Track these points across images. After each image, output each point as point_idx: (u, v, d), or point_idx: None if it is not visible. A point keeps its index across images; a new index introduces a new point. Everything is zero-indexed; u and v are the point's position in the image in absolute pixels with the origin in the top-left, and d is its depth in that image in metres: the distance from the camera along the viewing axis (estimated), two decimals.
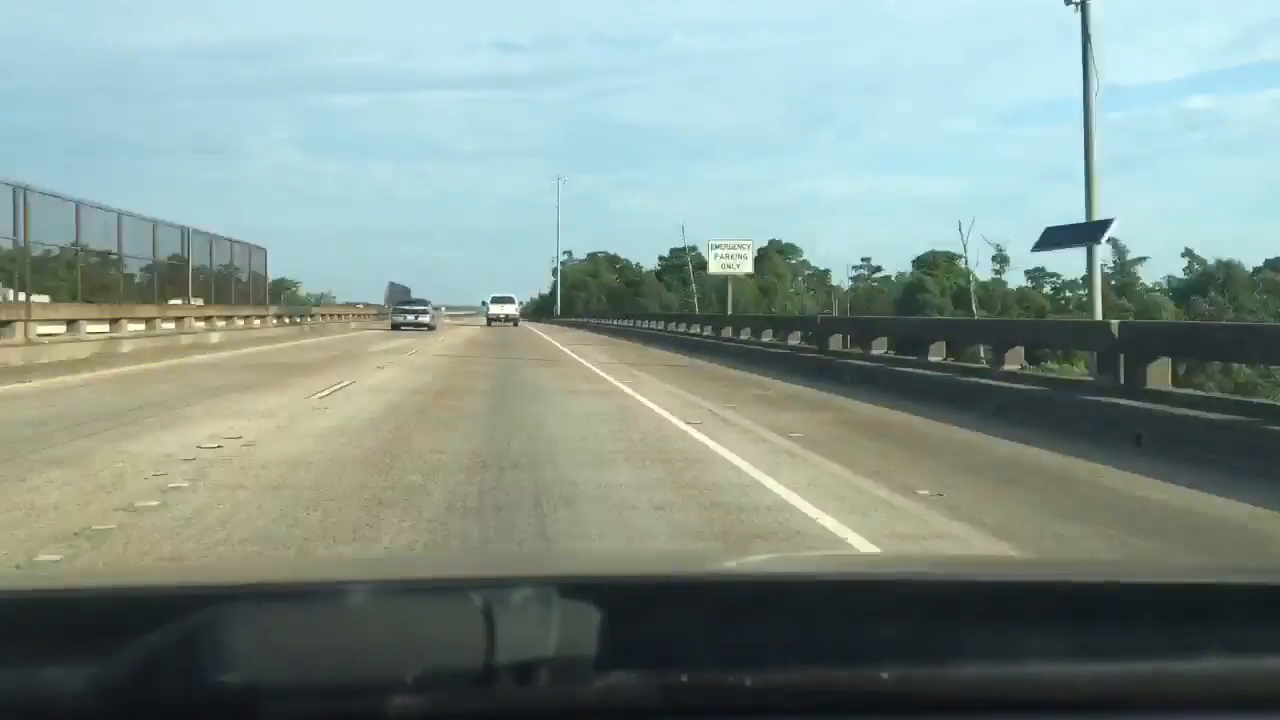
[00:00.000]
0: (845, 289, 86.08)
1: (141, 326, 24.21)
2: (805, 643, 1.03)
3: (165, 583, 1.37)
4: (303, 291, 75.64)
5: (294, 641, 0.96)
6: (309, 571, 1.94)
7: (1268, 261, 70.95)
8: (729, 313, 37.60)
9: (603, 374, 18.15)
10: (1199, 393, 12.38)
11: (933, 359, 15.34)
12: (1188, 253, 72.91)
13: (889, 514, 6.30)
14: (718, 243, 38.83)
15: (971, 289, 43.43)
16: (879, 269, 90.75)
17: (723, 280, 41.80)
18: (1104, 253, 18.93)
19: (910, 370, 15.50)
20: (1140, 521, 6.26)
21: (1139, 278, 75.10)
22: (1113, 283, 62.18)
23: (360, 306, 65.76)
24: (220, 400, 12.37)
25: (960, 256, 43.90)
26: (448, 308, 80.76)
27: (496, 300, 60.13)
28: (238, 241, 35.88)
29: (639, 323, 46.65)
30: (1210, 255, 70.67)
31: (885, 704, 0.99)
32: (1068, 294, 70.72)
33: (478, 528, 5.60)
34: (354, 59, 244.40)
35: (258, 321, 34.80)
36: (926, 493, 6.96)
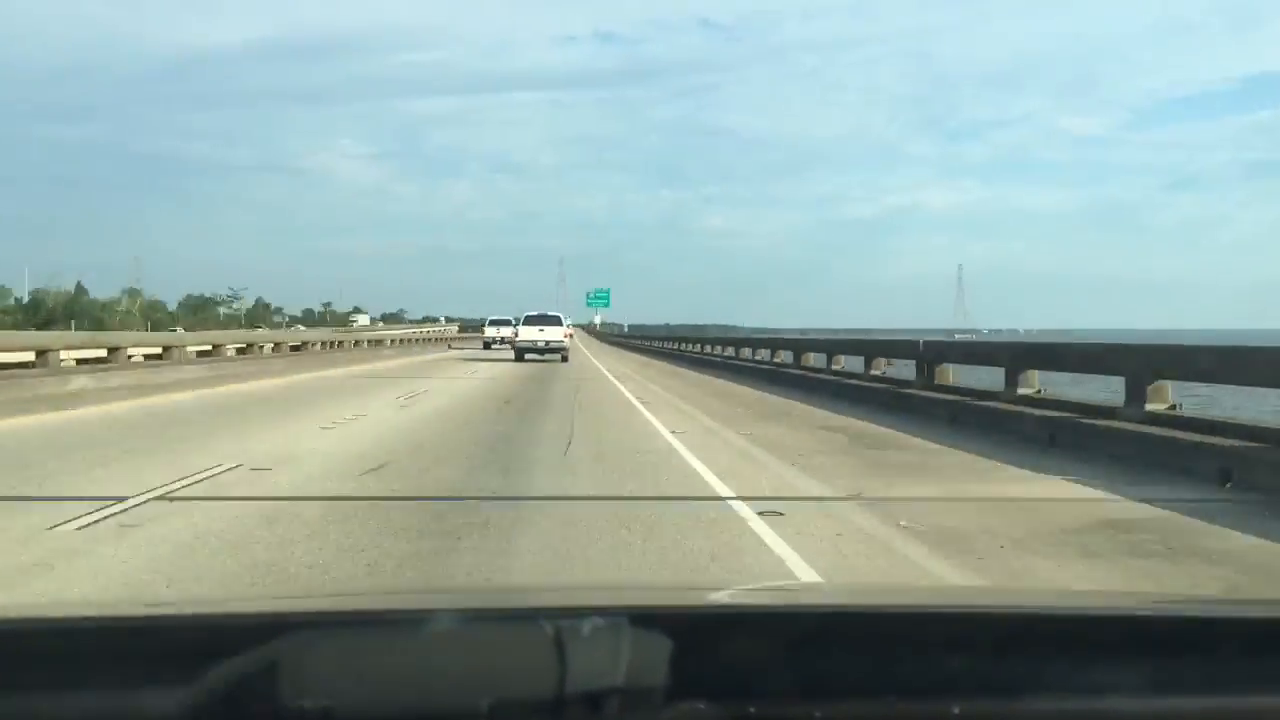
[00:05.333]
0: None
1: None
2: (874, 675, 1.02)
3: (250, 609, 1.41)
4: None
5: (372, 668, 0.98)
6: (387, 600, 1.97)
7: None
8: None
9: None
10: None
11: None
12: None
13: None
14: None
15: None
16: None
17: None
18: None
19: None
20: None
21: None
22: None
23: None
24: None
25: None
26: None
27: (533, 320, 35.79)
28: None
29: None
30: None
31: None
32: None
33: None
34: (438, 54, 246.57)
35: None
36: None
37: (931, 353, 16.88)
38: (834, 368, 21.71)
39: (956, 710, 0.97)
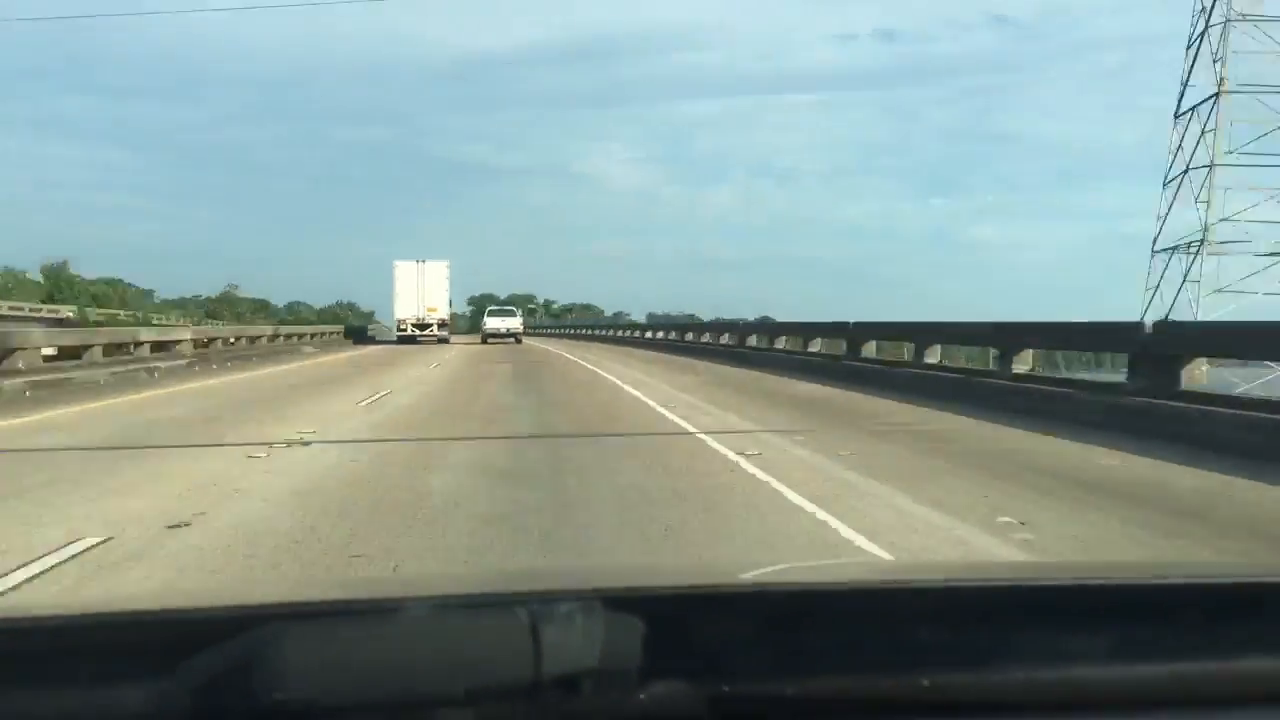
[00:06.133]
0: None
1: None
2: (846, 651, 1.04)
3: (222, 602, 1.40)
4: None
5: (348, 658, 0.98)
6: (361, 589, 1.97)
7: None
8: None
9: None
10: None
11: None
12: None
13: None
14: None
15: None
16: None
17: None
18: None
19: None
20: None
21: None
22: None
23: None
24: None
25: None
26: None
27: (494, 312, 47.53)
28: None
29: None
30: None
31: (926, 710, 0.99)
32: None
33: None
34: (712, 55, 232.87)
35: None
36: None
37: None
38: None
39: (926, 682, 0.99)
